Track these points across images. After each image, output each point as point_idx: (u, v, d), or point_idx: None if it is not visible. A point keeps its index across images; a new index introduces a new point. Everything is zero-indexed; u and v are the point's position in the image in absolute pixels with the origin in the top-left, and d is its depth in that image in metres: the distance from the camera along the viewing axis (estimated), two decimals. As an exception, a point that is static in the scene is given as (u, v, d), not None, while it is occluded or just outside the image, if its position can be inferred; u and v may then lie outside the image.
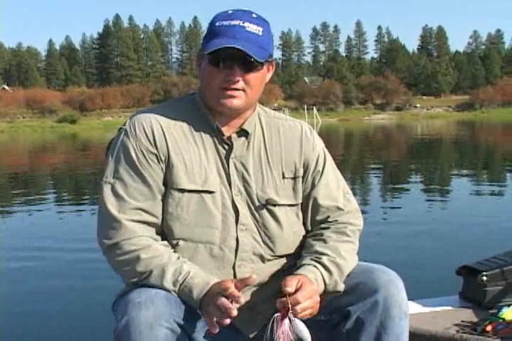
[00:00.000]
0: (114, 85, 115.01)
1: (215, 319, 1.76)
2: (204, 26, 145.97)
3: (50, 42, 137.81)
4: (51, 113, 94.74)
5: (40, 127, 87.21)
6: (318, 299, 1.87)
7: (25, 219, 11.38)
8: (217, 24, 1.97)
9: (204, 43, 1.99)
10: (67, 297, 6.02)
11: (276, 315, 1.77)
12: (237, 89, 1.97)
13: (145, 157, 1.98)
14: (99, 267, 6.54)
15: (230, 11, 2.00)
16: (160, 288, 1.85)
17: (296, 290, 1.81)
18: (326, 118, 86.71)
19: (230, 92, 1.97)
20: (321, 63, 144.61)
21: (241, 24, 1.95)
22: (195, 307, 1.84)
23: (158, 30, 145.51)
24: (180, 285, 1.85)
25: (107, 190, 1.97)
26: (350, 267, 2.02)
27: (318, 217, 2.12)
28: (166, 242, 1.98)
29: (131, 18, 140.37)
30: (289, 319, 1.76)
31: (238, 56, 1.92)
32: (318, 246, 2.02)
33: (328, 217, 2.12)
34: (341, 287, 1.97)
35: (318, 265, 1.96)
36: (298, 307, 1.78)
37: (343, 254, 2.01)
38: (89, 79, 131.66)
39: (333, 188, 2.15)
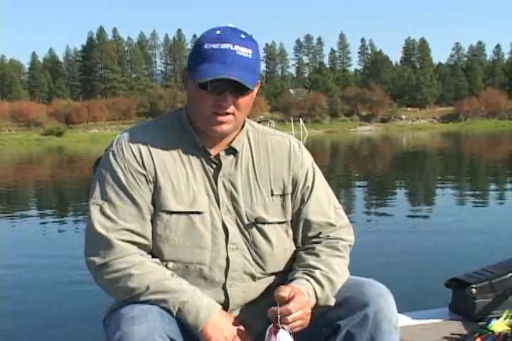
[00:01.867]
0: (98, 98, 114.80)
1: None
2: (188, 39, 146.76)
3: (34, 55, 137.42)
4: (37, 126, 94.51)
5: (26, 140, 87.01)
6: (310, 310, 1.86)
7: (7, 233, 11.39)
8: (205, 46, 1.92)
9: (193, 66, 1.95)
10: (54, 312, 6.02)
11: (270, 326, 1.77)
12: (228, 113, 1.94)
13: (134, 178, 1.96)
14: (84, 282, 6.45)
15: (218, 32, 1.94)
16: (155, 304, 1.83)
17: (288, 300, 1.79)
18: (312, 130, 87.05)
19: (220, 118, 1.94)
20: (306, 75, 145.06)
21: (231, 48, 1.90)
22: (192, 328, 1.84)
23: (142, 43, 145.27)
24: (184, 303, 1.84)
25: (95, 211, 1.94)
26: (341, 282, 2.00)
27: (310, 234, 2.10)
28: (157, 260, 1.97)
29: (115, 31, 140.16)
30: (281, 329, 1.76)
31: (229, 81, 1.89)
32: (311, 260, 2.01)
33: (320, 233, 2.09)
34: (333, 301, 1.95)
35: (310, 279, 1.95)
36: (289, 317, 1.77)
37: (335, 269, 2.00)
38: (73, 92, 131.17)
39: (324, 204, 2.12)
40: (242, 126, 2.09)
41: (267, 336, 1.77)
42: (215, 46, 1.91)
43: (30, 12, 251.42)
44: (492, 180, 18.71)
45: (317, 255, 2.03)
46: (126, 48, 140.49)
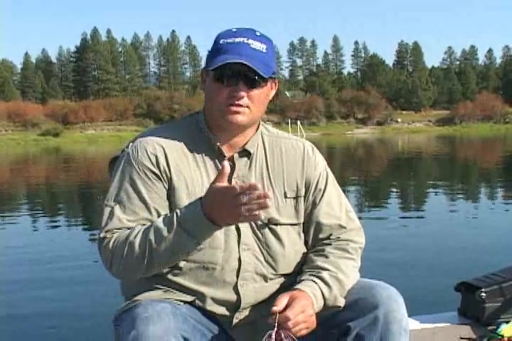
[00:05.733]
0: (92, 99, 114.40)
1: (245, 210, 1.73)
2: (182, 40, 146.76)
3: (26, 56, 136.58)
4: (34, 126, 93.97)
5: (23, 140, 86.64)
6: (312, 312, 1.88)
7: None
8: (221, 42, 2.00)
9: (208, 60, 2.02)
10: (56, 313, 6.03)
11: (269, 332, 1.79)
12: (242, 106, 1.99)
13: (149, 179, 1.99)
14: (84, 282, 6.66)
15: (234, 29, 2.03)
16: (169, 303, 1.88)
17: (286, 307, 1.82)
18: (309, 132, 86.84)
19: (235, 108, 1.98)
20: (300, 77, 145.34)
21: (245, 41, 1.97)
22: (211, 229, 1.83)
23: (136, 44, 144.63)
24: (179, 222, 1.85)
25: (106, 213, 1.99)
26: (351, 283, 2.02)
27: (321, 235, 2.13)
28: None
29: (109, 32, 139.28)
30: (280, 336, 1.78)
31: (243, 72, 1.95)
32: (319, 262, 2.04)
33: (331, 234, 2.13)
34: (341, 302, 1.98)
35: (317, 280, 1.97)
36: (290, 323, 1.79)
37: (344, 269, 2.03)
38: (66, 93, 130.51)
39: (336, 207, 2.16)
40: (257, 129, 2.14)
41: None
42: (229, 40, 1.99)
43: (22, 12, 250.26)
44: (497, 183, 18.83)
45: (326, 256, 2.06)
46: (119, 49, 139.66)
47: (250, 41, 1.97)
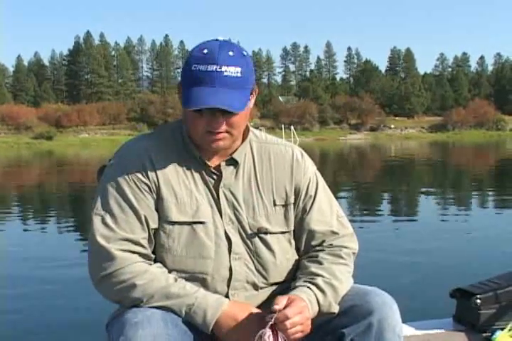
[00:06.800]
0: (84, 102, 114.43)
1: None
2: (175, 44, 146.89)
3: (19, 58, 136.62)
4: (27, 129, 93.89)
5: (16, 143, 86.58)
6: (309, 315, 1.86)
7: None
8: (193, 68, 1.91)
9: (183, 87, 1.95)
10: (53, 318, 5.96)
11: (262, 330, 1.79)
12: (221, 132, 1.95)
13: (138, 187, 1.97)
14: (81, 287, 6.30)
15: (205, 50, 1.92)
16: (159, 309, 1.86)
17: (286, 307, 1.81)
18: (302, 137, 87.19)
19: (214, 137, 1.95)
20: (293, 83, 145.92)
21: (218, 69, 1.89)
22: (204, 330, 1.87)
23: (129, 48, 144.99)
24: (189, 306, 1.88)
25: (97, 221, 1.95)
26: (345, 289, 2.01)
27: (313, 242, 2.11)
28: (159, 264, 1.98)
29: (102, 35, 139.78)
30: (275, 335, 1.78)
31: None
32: (313, 268, 2.03)
33: (323, 241, 2.11)
34: (336, 308, 1.96)
35: (312, 286, 1.96)
36: (287, 322, 1.78)
37: (338, 276, 2.01)
38: (58, 96, 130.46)
39: (327, 213, 2.13)
40: (246, 137, 2.10)
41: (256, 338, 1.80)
42: (202, 68, 1.90)
43: (15, 15, 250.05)
44: (489, 189, 18.86)
45: (320, 262, 2.04)
46: (113, 53, 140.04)
47: (223, 68, 1.88)
